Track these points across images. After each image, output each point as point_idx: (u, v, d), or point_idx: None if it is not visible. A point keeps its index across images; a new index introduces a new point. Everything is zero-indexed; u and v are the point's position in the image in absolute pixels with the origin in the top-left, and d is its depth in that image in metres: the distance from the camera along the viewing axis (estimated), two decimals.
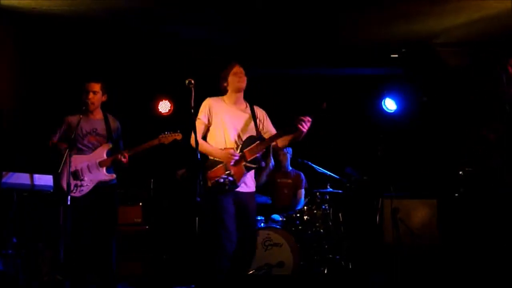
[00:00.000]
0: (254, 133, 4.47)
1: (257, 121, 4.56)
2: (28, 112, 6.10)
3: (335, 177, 6.61)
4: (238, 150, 4.34)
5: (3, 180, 4.70)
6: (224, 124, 4.44)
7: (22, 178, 4.84)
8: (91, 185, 4.90)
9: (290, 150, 7.10)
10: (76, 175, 4.87)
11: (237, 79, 4.49)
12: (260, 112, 4.64)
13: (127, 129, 5.42)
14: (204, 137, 4.50)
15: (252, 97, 4.69)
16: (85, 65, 6.75)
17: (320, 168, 6.67)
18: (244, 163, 4.30)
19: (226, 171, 4.27)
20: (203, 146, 4.34)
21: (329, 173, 6.62)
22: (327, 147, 7.57)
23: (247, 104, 4.65)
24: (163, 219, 6.93)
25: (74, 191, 4.78)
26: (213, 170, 4.31)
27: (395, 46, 6.60)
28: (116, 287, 5.17)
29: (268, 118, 4.66)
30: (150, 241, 6.34)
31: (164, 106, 7.49)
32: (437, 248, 5.47)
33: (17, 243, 4.90)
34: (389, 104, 7.20)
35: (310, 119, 4.25)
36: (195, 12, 5.69)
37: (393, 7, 5.53)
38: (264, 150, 4.41)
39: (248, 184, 4.44)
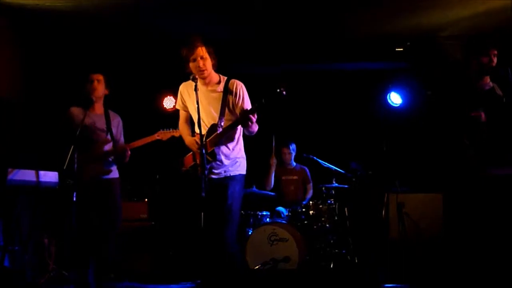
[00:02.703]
0: (217, 117, 4.04)
1: (228, 101, 4.06)
2: (31, 108, 6.12)
3: (341, 172, 6.61)
4: (204, 138, 3.97)
5: (9, 177, 4.71)
6: (193, 111, 4.09)
7: (27, 175, 4.85)
8: (91, 180, 4.79)
9: (293, 146, 7.12)
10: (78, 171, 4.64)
11: (196, 68, 4.02)
12: (234, 89, 4.07)
13: (132, 125, 5.42)
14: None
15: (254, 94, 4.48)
16: (89, 61, 6.75)
17: (326, 163, 6.67)
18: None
19: (193, 160, 4.12)
20: (180, 131, 4.34)
21: (334, 168, 6.61)
22: (332, 141, 7.56)
23: (222, 80, 4.15)
24: (168, 214, 6.95)
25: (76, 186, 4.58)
26: (185, 157, 4.24)
27: (400, 40, 6.58)
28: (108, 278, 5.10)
29: (242, 95, 4.07)
30: (156, 237, 6.36)
31: (169, 102, 7.48)
32: (442, 243, 5.45)
33: (23, 239, 4.93)
34: (394, 98, 7.17)
35: (255, 117, 3.80)
36: (198, 8, 5.69)
37: (398, 0, 5.51)
38: (223, 142, 4.01)
39: (221, 170, 4.08)
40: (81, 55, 6.71)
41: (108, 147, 4.94)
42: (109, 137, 4.94)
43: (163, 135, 4.97)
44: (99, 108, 4.99)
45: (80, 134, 4.66)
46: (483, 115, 4.31)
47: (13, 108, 5.82)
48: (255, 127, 3.94)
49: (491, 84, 4.42)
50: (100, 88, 4.92)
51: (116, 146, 4.93)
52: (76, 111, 4.87)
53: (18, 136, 5.81)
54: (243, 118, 3.85)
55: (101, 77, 4.95)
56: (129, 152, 4.88)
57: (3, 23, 5.73)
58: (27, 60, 6.12)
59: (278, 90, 3.71)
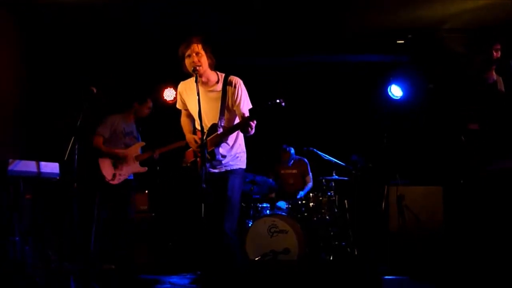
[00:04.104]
0: (218, 117, 4.04)
1: (227, 100, 4.06)
2: (34, 101, 6.12)
3: (341, 164, 6.61)
4: (205, 137, 4.03)
5: (10, 167, 4.71)
6: (192, 109, 4.21)
7: (28, 165, 4.85)
8: (126, 175, 5.72)
9: (292, 150, 7.14)
10: (116, 165, 5.68)
11: (191, 64, 3.98)
12: (233, 88, 4.05)
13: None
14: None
15: (258, 85, 4.45)
16: (92, 53, 6.75)
17: (326, 155, 6.67)
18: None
19: (194, 156, 4.16)
20: (182, 127, 4.38)
21: (335, 160, 6.62)
22: (333, 134, 7.56)
23: (220, 78, 4.12)
24: (169, 206, 6.96)
25: (113, 179, 5.63)
26: (186, 152, 4.28)
27: (401, 32, 6.56)
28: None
29: (241, 93, 4.05)
30: (156, 228, 6.38)
31: (169, 94, 7.48)
32: (442, 235, 5.47)
33: (25, 230, 4.94)
34: (395, 91, 7.16)
35: (254, 123, 3.81)
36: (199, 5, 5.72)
37: None
38: (223, 141, 4.04)
39: (221, 165, 4.14)
40: (83, 48, 6.70)
41: (141, 149, 5.91)
42: (140, 140, 5.95)
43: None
44: (132, 118, 5.95)
45: (122, 137, 5.76)
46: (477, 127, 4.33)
47: (14, 101, 5.82)
48: (252, 131, 3.92)
49: (495, 78, 4.41)
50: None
51: (148, 149, 5.90)
52: (114, 118, 5.79)
53: (20, 128, 5.82)
54: (242, 125, 3.88)
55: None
56: (157, 156, 5.98)
57: (4, 15, 5.72)
58: (28, 55, 6.10)
59: (278, 101, 3.68)
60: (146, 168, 5.84)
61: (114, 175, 5.64)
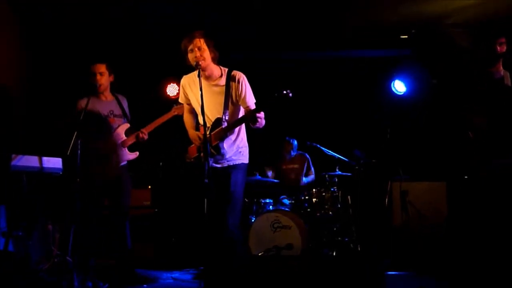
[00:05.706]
0: (221, 111, 4.04)
1: (231, 94, 4.07)
2: (36, 96, 6.12)
3: (344, 160, 6.60)
4: (208, 132, 4.01)
5: (13, 162, 4.70)
6: (194, 103, 4.21)
7: (31, 160, 4.85)
8: (118, 166, 5.02)
9: (295, 142, 7.13)
10: (103, 159, 4.98)
11: (194, 58, 3.98)
12: (236, 82, 4.06)
13: (136, 113, 5.44)
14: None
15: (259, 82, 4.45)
16: (93, 48, 6.74)
17: (329, 151, 6.66)
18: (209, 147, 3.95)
19: (197, 151, 4.14)
20: (184, 123, 4.37)
21: (337, 155, 6.60)
22: (336, 129, 7.55)
23: (223, 72, 4.13)
24: (172, 202, 6.96)
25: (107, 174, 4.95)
26: (189, 148, 4.26)
27: (405, 27, 6.54)
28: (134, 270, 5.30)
29: (245, 88, 4.06)
30: (159, 224, 6.38)
31: (172, 89, 7.47)
32: (445, 231, 5.45)
33: (28, 225, 4.94)
34: (399, 86, 7.13)
35: (262, 115, 3.82)
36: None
37: None
38: (228, 135, 4.04)
39: (224, 160, 4.15)
40: (85, 43, 6.69)
41: (126, 131, 5.09)
42: (125, 120, 5.12)
43: (179, 109, 4.96)
44: (109, 95, 5.13)
45: (101, 123, 4.95)
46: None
47: (16, 96, 5.82)
48: (263, 122, 3.93)
49: (502, 72, 4.39)
50: (104, 80, 5.04)
51: (134, 130, 5.07)
52: (83, 102, 4.90)
53: (22, 123, 5.82)
54: (250, 117, 3.87)
55: (102, 68, 5.05)
56: (147, 136, 5.05)
57: (4, 15, 5.72)
58: (30, 49, 6.10)
59: (285, 92, 3.69)
60: (137, 153, 5.14)
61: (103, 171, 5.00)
